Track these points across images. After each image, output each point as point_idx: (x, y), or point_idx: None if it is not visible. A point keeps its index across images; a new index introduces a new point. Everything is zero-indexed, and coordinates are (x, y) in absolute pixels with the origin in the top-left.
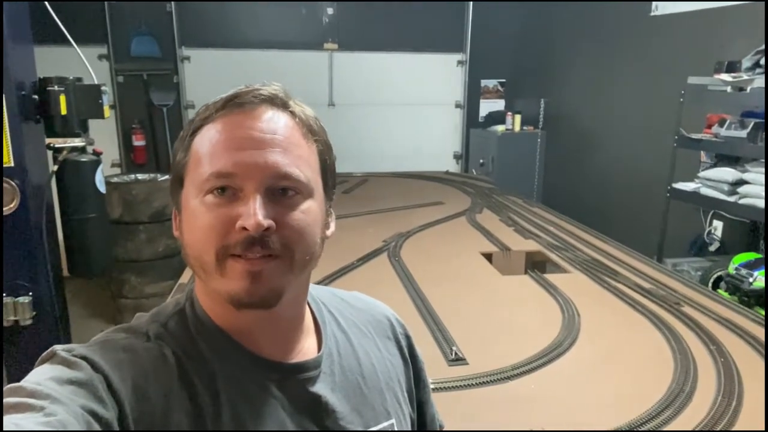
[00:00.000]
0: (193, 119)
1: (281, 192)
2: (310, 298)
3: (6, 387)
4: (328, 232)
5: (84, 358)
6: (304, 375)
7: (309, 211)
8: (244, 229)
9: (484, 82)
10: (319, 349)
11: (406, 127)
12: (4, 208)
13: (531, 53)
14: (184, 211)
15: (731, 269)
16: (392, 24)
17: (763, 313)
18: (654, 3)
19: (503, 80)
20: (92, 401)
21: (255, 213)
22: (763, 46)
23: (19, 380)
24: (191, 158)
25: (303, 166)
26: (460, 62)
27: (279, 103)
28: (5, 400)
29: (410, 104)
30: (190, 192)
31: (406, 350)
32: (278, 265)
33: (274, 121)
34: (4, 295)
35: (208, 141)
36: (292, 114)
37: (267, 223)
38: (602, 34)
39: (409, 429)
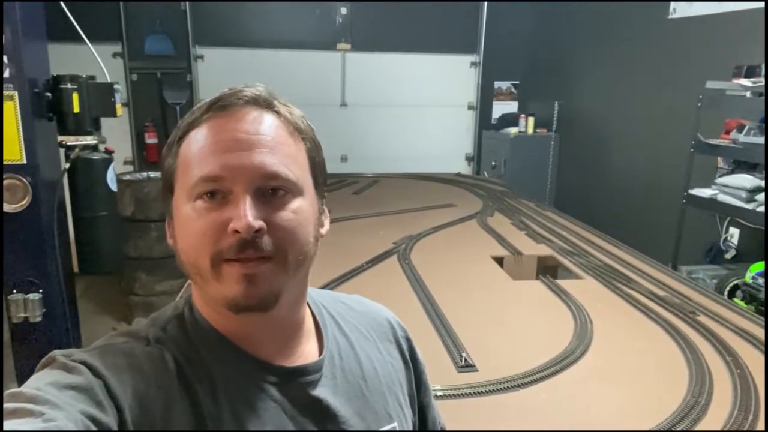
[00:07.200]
0: (179, 125)
1: (271, 192)
2: (310, 300)
3: (5, 392)
4: (323, 231)
5: (83, 363)
6: (305, 378)
7: (300, 210)
8: (236, 231)
9: (497, 84)
10: (321, 352)
11: (418, 128)
12: (15, 205)
13: (545, 55)
14: (176, 218)
15: (748, 278)
16: (406, 25)
17: None
18: (672, 5)
19: (517, 82)
20: (92, 406)
21: (245, 215)
22: None
23: (28, 376)
24: (179, 164)
25: (291, 164)
26: (473, 64)
27: (263, 103)
28: (5, 405)
29: (423, 105)
30: (181, 198)
31: (407, 353)
32: (272, 267)
33: (258, 122)
34: (14, 291)
35: (194, 146)
36: (277, 113)
37: (257, 224)
38: (618, 37)
39: None
